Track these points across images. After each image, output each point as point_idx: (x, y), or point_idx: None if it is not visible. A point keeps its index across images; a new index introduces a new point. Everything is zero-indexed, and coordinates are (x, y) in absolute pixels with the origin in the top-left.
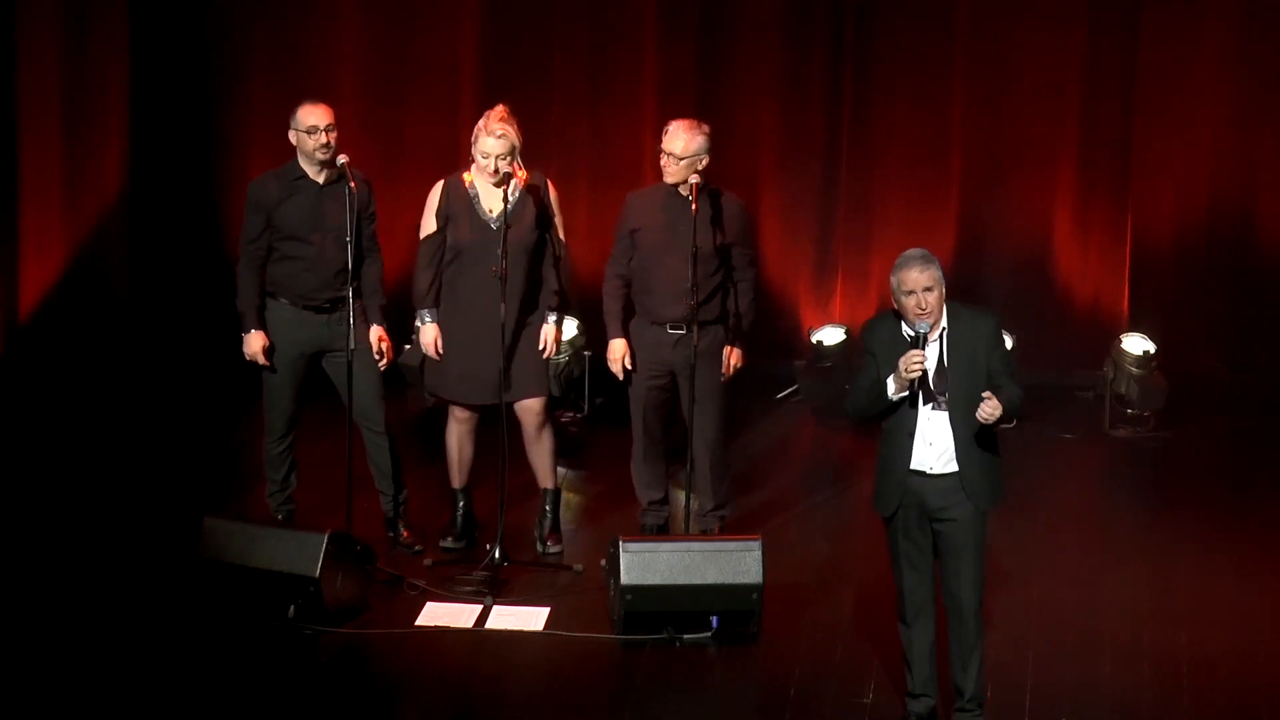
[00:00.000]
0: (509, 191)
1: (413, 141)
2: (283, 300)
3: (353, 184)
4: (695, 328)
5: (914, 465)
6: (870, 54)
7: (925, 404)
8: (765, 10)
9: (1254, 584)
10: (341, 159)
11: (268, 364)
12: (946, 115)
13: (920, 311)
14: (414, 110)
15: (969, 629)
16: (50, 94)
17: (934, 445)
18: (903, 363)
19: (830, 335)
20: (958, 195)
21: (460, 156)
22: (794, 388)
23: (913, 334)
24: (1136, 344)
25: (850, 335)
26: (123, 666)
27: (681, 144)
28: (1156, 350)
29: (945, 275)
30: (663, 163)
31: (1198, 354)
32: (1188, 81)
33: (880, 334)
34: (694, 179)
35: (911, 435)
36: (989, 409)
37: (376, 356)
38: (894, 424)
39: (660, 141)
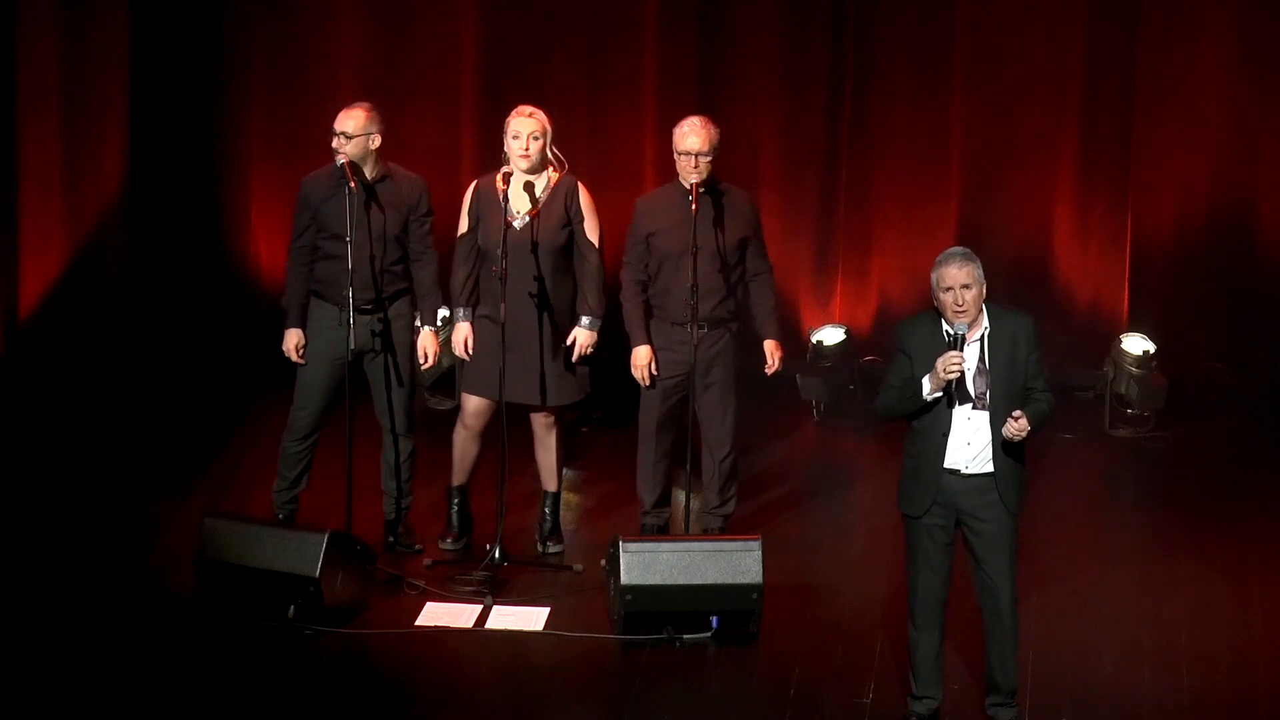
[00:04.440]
0: (510, 193)
1: (413, 141)
2: (326, 301)
3: (353, 184)
4: (694, 327)
5: (949, 465)
6: (870, 54)
7: (962, 405)
8: (765, 10)
9: (1253, 584)
10: (341, 159)
11: (301, 361)
12: (946, 115)
13: (957, 309)
14: (414, 110)
15: (1007, 627)
16: (50, 94)
17: (971, 445)
18: (941, 363)
19: (830, 335)
20: (958, 195)
21: (459, 156)
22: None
23: (952, 334)
24: (1136, 344)
25: (850, 335)
26: (123, 666)
27: (704, 141)
28: (1156, 350)
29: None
30: (690, 165)
31: (1198, 354)
32: (1188, 81)
33: (917, 334)
34: (694, 179)
35: (946, 435)
36: (1016, 429)
37: (421, 360)
38: (927, 423)
39: (670, 142)
